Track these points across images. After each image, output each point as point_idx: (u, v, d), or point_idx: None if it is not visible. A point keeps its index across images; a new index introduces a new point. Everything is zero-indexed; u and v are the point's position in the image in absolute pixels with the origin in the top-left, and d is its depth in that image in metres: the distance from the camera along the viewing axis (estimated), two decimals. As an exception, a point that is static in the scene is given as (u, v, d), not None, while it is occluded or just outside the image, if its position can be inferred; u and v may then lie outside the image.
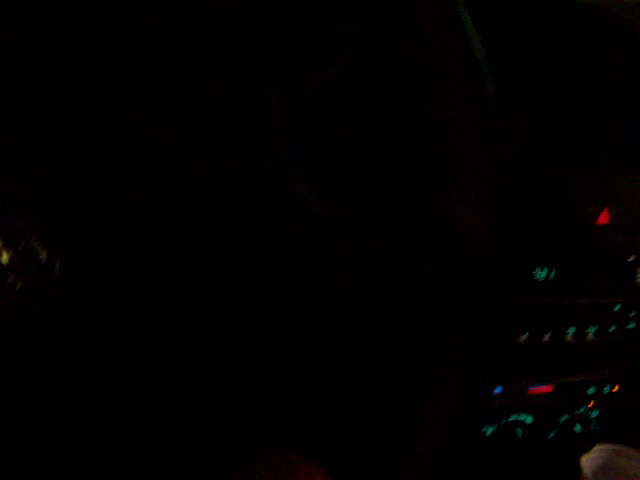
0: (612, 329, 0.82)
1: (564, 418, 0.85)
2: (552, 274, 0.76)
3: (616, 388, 0.86)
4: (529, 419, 0.82)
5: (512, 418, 0.81)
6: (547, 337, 0.78)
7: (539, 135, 0.75)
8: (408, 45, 0.41)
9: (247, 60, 0.41)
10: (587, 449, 0.85)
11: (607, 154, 0.78)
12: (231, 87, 0.40)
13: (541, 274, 0.75)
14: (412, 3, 0.40)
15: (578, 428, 0.86)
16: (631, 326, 0.83)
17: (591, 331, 0.81)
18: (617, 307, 0.82)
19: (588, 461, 0.82)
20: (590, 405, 0.85)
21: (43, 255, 0.35)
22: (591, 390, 0.84)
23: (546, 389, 0.81)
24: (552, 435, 0.86)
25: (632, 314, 0.83)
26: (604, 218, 0.78)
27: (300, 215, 0.41)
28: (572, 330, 0.79)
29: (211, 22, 0.42)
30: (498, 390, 0.77)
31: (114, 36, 0.40)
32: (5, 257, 0.35)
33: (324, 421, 0.50)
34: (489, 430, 0.80)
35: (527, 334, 0.76)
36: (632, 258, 0.81)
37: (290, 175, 0.40)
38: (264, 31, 0.42)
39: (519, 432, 0.82)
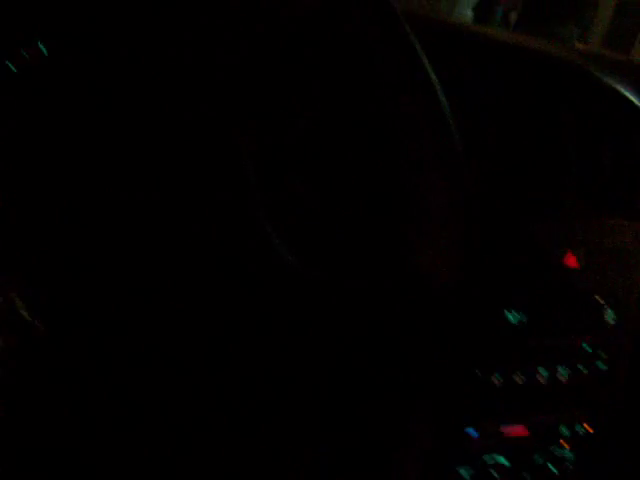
0: (584, 369, 0.83)
1: (539, 459, 0.85)
2: (522, 315, 0.78)
3: (588, 428, 0.87)
4: (504, 460, 0.83)
5: (487, 460, 0.81)
6: (519, 378, 0.79)
7: (506, 183, 0.78)
8: (377, 104, 0.44)
9: (221, 109, 0.43)
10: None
11: (573, 199, 0.81)
12: (203, 142, 0.42)
13: (511, 316, 0.77)
14: (380, 66, 0.43)
15: (554, 469, 0.87)
16: (601, 366, 0.85)
17: (563, 371, 0.82)
18: (587, 347, 0.83)
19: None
20: (564, 445, 0.86)
21: (24, 312, 0.36)
22: (564, 430, 0.85)
23: (520, 430, 0.82)
24: (528, 477, 0.86)
25: (602, 354, 0.84)
26: (572, 260, 0.80)
27: (273, 267, 0.42)
28: (544, 371, 0.80)
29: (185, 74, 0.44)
30: (471, 431, 0.78)
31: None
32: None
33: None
34: (465, 472, 0.80)
35: (499, 375, 0.77)
36: (600, 299, 0.83)
37: (264, 229, 0.42)
38: (239, 81, 0.44)
39: (495, 474, 0.82)
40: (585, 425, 0.86)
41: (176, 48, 0.45)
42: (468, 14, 2.47)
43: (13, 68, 0.81)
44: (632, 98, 0.83)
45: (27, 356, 0.36)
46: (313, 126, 0.53)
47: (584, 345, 0.83)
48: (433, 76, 0.43)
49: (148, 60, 0.45)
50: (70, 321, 0.39)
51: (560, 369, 0.82)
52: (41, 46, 0.82)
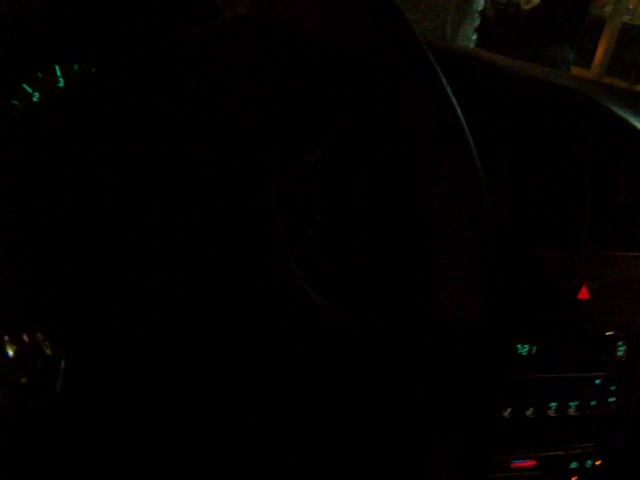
0: (593, 403, 0.83)
1: (549, 493, 0.85)
2: (534, 349, 0.77)
3: (599, 462, 0.86)
4: (514, 494, 0.82)
5: (497, 493, 0.81)
6: (530, 412, 0.78)
7: (520, 218, 0.77)
8: (399, 144, 0.44)
9: (250, 150, 0.43)
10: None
11: (585, 234, 0.81)
12: (225, 175, 0.42)
13: (523, 349, 0.77)
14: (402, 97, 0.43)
15: (563, 503, 0.86)
16: (612, 400, 0.84)
17: (573, 405, 0.82)
18: (598, 381, 0.83)
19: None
20: (573, 479, 0.85)
21: (48, 350, 0.36)
22: (574, 464, 0.84)
23: (529, 463, 0.82)
24: (538, 510, 0.85)
25: (612, 388, 0.84)
26: (584, 294, 0.80)
27: (303, 312, 0.42)
28: (554, 405, 0.80)
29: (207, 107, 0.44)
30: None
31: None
32: (10, 352, 0.36)
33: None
34: (474, 505, 0.80)
35: (510, 409, 0.77)
36: (611, 332, 0.83)
37: (292, 270, 0.41)
38: (261, 113, 0.44)
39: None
40: (595, 459, 0.86)
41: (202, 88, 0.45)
42: (473, 38, 2.48)
43: (29, 89, 0.82)
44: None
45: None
46: (340, 170, 0.53)
47: (595, 379, 0.83)
48: (463, 122, 0.43)
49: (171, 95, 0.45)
50: (91, 354, 0.39)
51: (570, 403, 0.81)
52: (57, 69, 0.83)
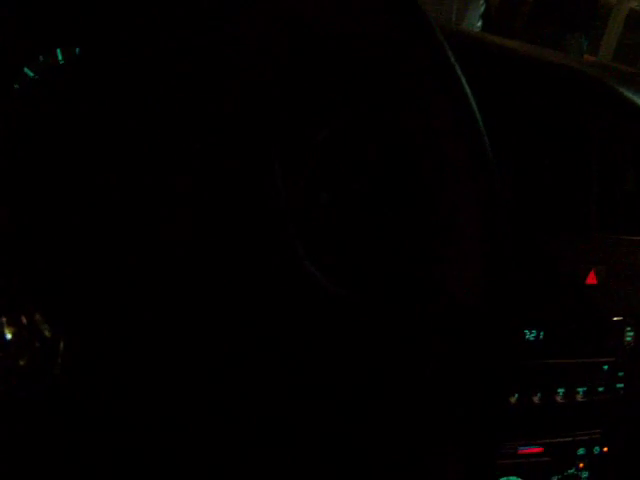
0: (601, 389, 0.82)
1: (554, 479, 0.84)
2: (542, 335, 0.77)
3: (606, 449, 0.85)
4: (519, 480, 0.82)
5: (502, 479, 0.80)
6: (537, 398, 0.78)
7: (527, 202, 0.77)
8: (410, 118, 0.43)
9: (246, 126, 0.42)
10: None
11: (593, 218, 0.80)
12: (231, 157, 0.41)
13: (531, 335, 0.76)
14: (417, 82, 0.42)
15: (569, 490, 0.86)
16: (619, 386, 0.83)
17: (580, 391, 0.81)
18: (606, 367, 0.82)
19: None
20: (580, 466, 0.85)
21: (47, 332, 0.36)
22: (581, 451, 0.84)
23: (536, 450, 0.81)
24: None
25: (620, 374, 0.83)
26: (592, 279, 0.79)
27: (306, 291, 0.41)
28: (561, 390, 0.79)
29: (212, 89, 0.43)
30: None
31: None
32: (9, 334, 0.35)
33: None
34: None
35: (517, 395, 0.76)
36: (619, 318, 0.82)
37: (296, 251, 0.41)
38: (265, 95, 0.44)
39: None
40: (602, 446, 0.85)
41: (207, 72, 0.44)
42: (478, 24, 2.46)
43: (30, 73, 0.81)
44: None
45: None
46: (347, 150, 0.52)
47: (602, 364, 0.82)
48: (474, 104, 0.42)
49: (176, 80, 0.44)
50: (90, 339, 0.38)
51: (578, 389, 0.81)
52: (58, 53, 0.82)
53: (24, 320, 0.36)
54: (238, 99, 0.43)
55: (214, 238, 0.39)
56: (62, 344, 0.36)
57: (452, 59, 0.42)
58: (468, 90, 0.42)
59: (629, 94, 0.81)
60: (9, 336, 0.35)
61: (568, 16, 3.55)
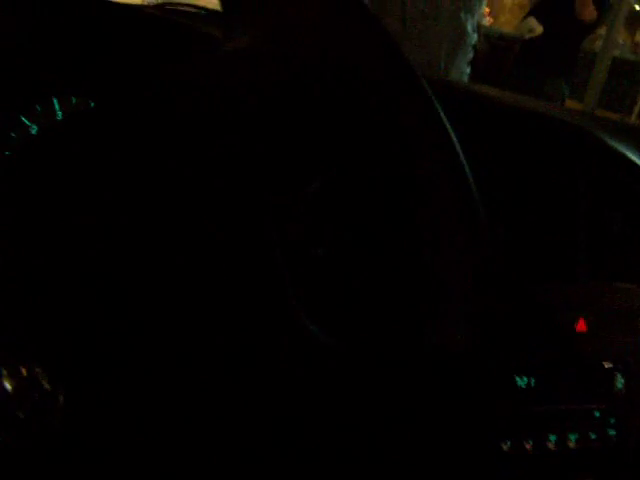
0: (593, 436, 0.82)
1: (548, 528, 0.83)
2: (533, 381, 0.77)
3: (599, 497, 0.85)
4: (513, 529, 0.81)
5: (496, 529, 0.79)
6: (529, 444, 0.78)
7: (515, 251, 0.78)
8: (398, 172, 0.44)
9: (241, 188, 0.43)
10: None
11: (581, 266, 0.81)
12: (224, 211, 0.42)
13: (522, 382, 0.76)
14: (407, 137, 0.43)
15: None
16: (612, 433, 0.83)
17: (572, 438, 0.81)
18: (597, 414, 0.82)
19: None
20: (574, 515, 0.84)
21: (47, 385, 0.36)
22: (574, 499, 0.83)
23: (529, 498, 0.81)
24: None
25: (612, 421, 0.83)
26: (581, 326, 0.80)
27: (300, 343, 0.42)
28: (553, 438, 0.79)
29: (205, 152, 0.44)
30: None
31: None
32: (8, 385, 0.36)
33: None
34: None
35: (509, 442, 0.76)
36: (610, 365, 0.82)
37: (292, 304, 0.41)
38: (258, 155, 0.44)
39: None
40: (595, 494, 0.85)
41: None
42: (467, 71, 2.52)
43: (27, 122, 0.82)
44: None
45: (47, 427, 0.36)
46: (339, 201, 0.53)
47: (594, 411, 0.82)
48: (462, 155, 0.43)
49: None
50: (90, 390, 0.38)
51: (570, 436, 0.81)
52: (55, 102, 0.83)
53: (24, 372, 0.36)
54: (230, 151, 0.44)
55: (207, 291, 0.40)
56: (62, 397, 0.36)
57: (441, 114, 0.43)
58: (458, 146, 0.43)
59: (614, 143, 0.83)
60: (9, 388, 0.36)
61: (548, 63, 3.64)
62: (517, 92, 1.19)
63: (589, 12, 3.47)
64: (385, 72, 0.44)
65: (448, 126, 0.45)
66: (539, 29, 3.57)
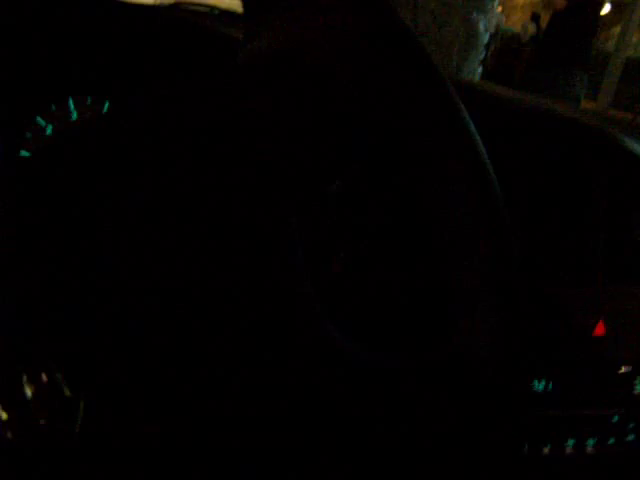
0: (611, 441, 0.81)
1: (565, 534, 0.83)
2: (550, 386, 0.76)
3: (617, 502, 0.84)
4: (530, 534, 0.80)
5: (512, 534, 0.79)
6: (547, 449, 0.77)
7: (535, 255, 0.77)
8: (423, 177, 0.43)
9: (262, 190, 0.42)
10: None
11: (600, 269, 0.80)
12: (249, 214, 0.42)
13: (540, 386, 0.75)
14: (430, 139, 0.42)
15: None
16: (630, 438, 0.82)
17: (590, 443, 0.80)
18: (616, 418, 0.81)
19: None
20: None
21: (67, 391, 0.35)
22: (592, 505, 0.82)
23: (547, 503, 0.80)
24: None
25: (631, 425, 0.82)
26: (600, 330, 0.79)
27: (322, 350, 0.41)
28: (571, 442, 0.78)
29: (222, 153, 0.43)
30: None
31: None
32: (29, 391, 0.35)
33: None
34: None
35: (527, 446, 0.75)
36: (628, 369, 0.81)
37: (314, 311, 0.41)
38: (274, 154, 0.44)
39: None
40: (613, 499, 0.84)
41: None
42: (478, 71, 2.51)
43: (42, 122, 0.82)
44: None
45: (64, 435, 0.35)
46: (361, 201, 0.53)
47: (612, 416, 0.81)
48: (487, 159, 0.43)
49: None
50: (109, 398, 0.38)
51: (588, 440, 0.80)
52: (70, 102, 0.83)
53: (45, 378, 0.36)
54: (251, 156, 0.43)
55: (229, 296, 0.39)
56: (82, 404, 0.36)
57: (467, 117, 0.42)
58: (483, 149, 0.42)
59: (631, 144, 0.82)
60: (29, 394, 0.35)
61: (566, 61, 3.64)
62: (532, 92, 1.18)
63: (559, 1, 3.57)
64: (410, 78, 0.44)
65: (475, 132, 0.44)
66: (531, 29, 3.59)
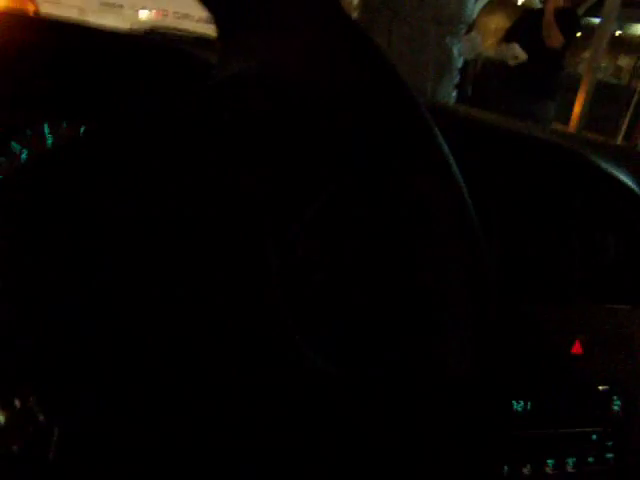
0: (591, 459, 0.81)
1: None
2: (529, 405, 0.76)
3: (598, 522, 0.84)
4: None
5: None
6: (527, 469, 0.77)
7: (511, 273, 0.77)
8: (399, 198, 0.44)
9: (239, 215, 0.42)
10: None
11: (576, 288, 0.81)
12: (223, 236, 0.41)
13: (519, 406, 0.76)
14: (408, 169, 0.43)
15: None
16: (609, 456, 0.83)
17: (570, 462, 0.80)
18: (594, 437, 0.82)
19: None
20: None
21: (41, 416, 0.35)
22: (573, 525, 0.82)
23: (528, 524, 0.79)
24: None
25: (609, 444, 0.82)
26: (577, 348, 0.79)
27: (297, 369, 0.41)
28: (551, 462, 0.78)
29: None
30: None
31: None
32: (2, 418, 0.35)
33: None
34: None
35: (507, 467, 0.75)
36: (606, 387, 0.82)
37: (288, 330, 0.41)
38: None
39: None
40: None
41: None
42: (453, 94, 2.55)
43: (17, 146, 0.81)
44: (632, 186, 0.84)
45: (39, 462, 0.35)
46: (336, 226, 0.53)
47: (591, 434, 0.82)
48: (463, 183, 0.43)
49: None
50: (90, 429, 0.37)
51: (568, 459, 0.80)
52: (46, 127, 0.83)
53: (18, 404, 0.35)
54: (227, 178, 0.44)
55: (205, 314, 0.39)
56: (56, 429, 0.35)
57: (441, 140, 0.43)
58: (457, 170, 0.43)
59: (605, 166, 0.83)
60: (2, 420, 0.35)
61: (534, 86, 3.71)
62: (505, 114, 1.20)
63: (555, 38, 3.61)
64: (382, 101, 0.44)
65: (450, 157, 0.45)
66: (523, 56, 3.63)
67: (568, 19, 3.69)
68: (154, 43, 0.90)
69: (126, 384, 0.38)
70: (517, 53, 3.63)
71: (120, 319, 0.38)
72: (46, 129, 0.83)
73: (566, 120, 4.27)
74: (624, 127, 6.43)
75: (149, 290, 0.39)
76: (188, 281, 0.39)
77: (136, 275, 0.39)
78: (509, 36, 3.78)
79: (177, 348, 0.39)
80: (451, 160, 0.45)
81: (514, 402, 0.75)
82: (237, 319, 0.41)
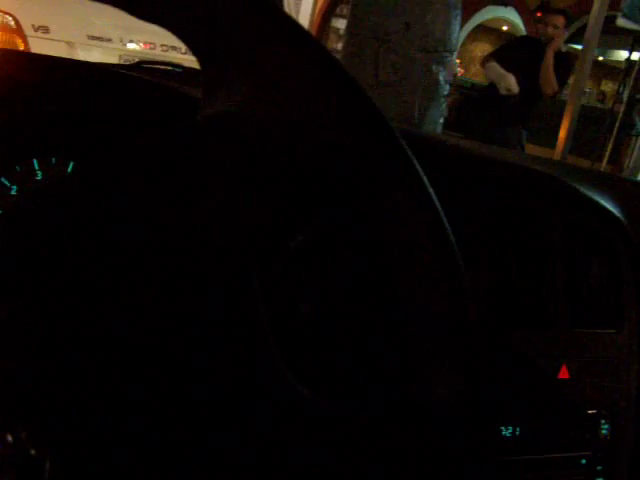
0: (581, 484, 0.82)
1: None
2: (518, 431, 0.77)
3: None
4: None
5: None
6: (517, 495, 0.77)
7: (496, 301, 0.78)
8: (379, 230, 0.45)
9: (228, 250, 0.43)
10: None
11: (562, 314, 0.82)
12: (209, 271, 0.42)
13: (507, 431, 0.76)
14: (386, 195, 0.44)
15: None
16: (599, 480, 0.83)
17: (560, 487, 0.81)
18: (583, 461, 0.82)
19: None
20: None
21: (32, 450, 0.35)
22: None
23: None
24: None
25: (599, 468, 0.83)
26: (564, 373, 0.80)
27: (288, 406, 0.41)
28: (541, 487, 0.79)
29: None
30: None
31: None
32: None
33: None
34: None
35: (497, 493, 0.76)
36: (593, 411, 0.83)
37: (278, 366, 0.41)
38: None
39: None
40: None
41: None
42: (440, 121, 2.57)
43: (7, 183, 0.82)
44: (613, 210, 0.86)
45: None
46: (323, 256, 0.54)
47: (580, 459, 0.82)
48: (442, 213, 0.44)
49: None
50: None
51: (558, 485, 0.80)
52: (35, 163, 0.83)
53: (10, 438, 0.35)
54: (211, 210, 0.44)
55: (192, 349, 0.40)
56: (48, 463, 0.35)
57: (420, 172, 0.44)
58: (437, 203, 0.44)
59: (585, 190, 0.85)
60: None
61: (510, 115, 3.79)
62: (478, 138, 1.22)
63: (552, 88, 3.70)
64: (363, 137, 0.45)
65: (429, 186, 0.46)
66: (515, 90, 3.67)
67: (564, 64, 3.79)
68: (139, 78, 0.91)
69: (116, 420, 0.38)
70: (511, 86, 3.68)
71: (108, 352, 0.38)
72: (35, 165, 0.83)
73: (551, 145, 4.32)
74: (608, 151, 6.51)
75: (134, 331, 0.40)
76: (172, 314, 0.40)
77: (123, 307, 0.40)
78: (501, 59, 3.81)
79: (163, 380, 0.39)
80: (431, 191, 0.46)
81: (503, 428, 0.76)
82: (223, 351, 0.41)
